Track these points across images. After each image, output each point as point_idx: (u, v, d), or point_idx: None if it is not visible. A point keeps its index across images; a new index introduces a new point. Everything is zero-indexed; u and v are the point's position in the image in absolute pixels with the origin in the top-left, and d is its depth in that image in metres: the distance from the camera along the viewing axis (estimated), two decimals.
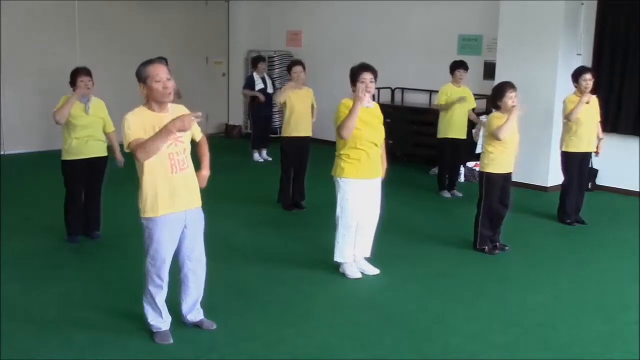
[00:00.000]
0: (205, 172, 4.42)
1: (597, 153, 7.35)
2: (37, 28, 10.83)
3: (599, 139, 7.29)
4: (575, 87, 7.13)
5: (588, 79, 7.02)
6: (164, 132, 3.87)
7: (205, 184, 4.39)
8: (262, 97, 10.45)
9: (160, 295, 4.31)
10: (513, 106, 6.05)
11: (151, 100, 4.07)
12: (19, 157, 10.48)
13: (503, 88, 6.13)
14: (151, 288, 4.27)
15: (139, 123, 4.00)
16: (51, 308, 4.88)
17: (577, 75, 7.12)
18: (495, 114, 6.19)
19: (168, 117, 4.06)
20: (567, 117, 7.07)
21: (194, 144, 4.40)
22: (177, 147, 4.10)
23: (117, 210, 7.25)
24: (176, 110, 4.17)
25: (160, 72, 4.03)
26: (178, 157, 4.10)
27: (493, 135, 6.06)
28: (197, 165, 4.35)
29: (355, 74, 5.35)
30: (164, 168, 4.06)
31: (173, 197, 4.10)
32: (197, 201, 4.28)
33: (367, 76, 5.30)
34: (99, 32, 11.42)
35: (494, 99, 6.18)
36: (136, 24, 11.89)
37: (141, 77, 4.04)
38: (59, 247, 6.24)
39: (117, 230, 6.68)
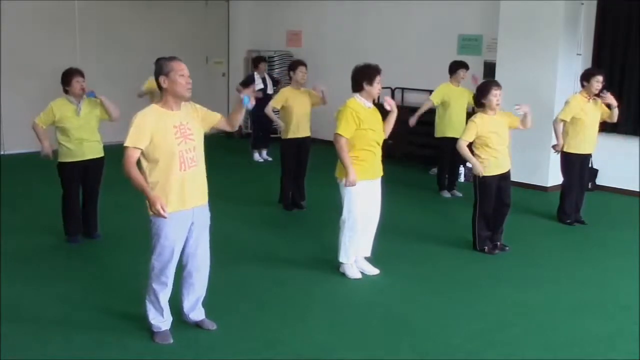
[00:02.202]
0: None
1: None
2: (37, 28, 10.83)
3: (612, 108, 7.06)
4: (583, 87, 7.09)
5: (601, 81, 6.98)
6: (149, 197, 3.95)
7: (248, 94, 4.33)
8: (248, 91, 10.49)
9: (164, 294, 4.30)
10: (497, 104, 6.05)
11: (170, 95, 4.09)
12: (19, 157, 10.48)
13: (488, 86, 6.11)
14: (155, 286, 4.27)
15: (148, 125, 4.00)
16: (51, 308, 4.88)
17: (588, 75, 7.07)
18: (475, 117, 6.15)
19: (182, 114, 4.14)
20: (555, 120, 7.12)
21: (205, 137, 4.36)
22: (187, 145, 4.12)
23: (117, 211, 7.26)
24: (187, 108, 4.22)
25: (184, 68, 4.10)
26: (188, 155, 4.11)
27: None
28: (208, 163, 4.34)
29: (369, 75, 5.33)
30: (173, 165, 4.07)
31: (182, 195, 4.11)
32: (204, 198, 4.30)
33: (380, 78, 5.36)
34: (99, 32, 11.42)
35: (479, 97, 6.15)
36: (136, 24, 11.90)
37: (163, 70, 4.07)
38: (59, 247, 6.24)
39: (117, 230, 6.68)
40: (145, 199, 4.09)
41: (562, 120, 7.08)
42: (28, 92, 10.70)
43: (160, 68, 4.10)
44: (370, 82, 5.32)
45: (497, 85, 6.09)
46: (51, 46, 10.92)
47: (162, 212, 3.90)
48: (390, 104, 5.44)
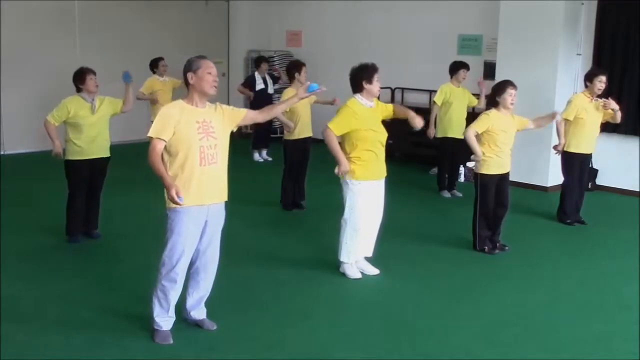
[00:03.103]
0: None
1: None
2: (37, 28, 10.83)
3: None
4: (587, 87, 7.11)
5: (604, 81, 7.01)
6: (167, 183, 3.98)
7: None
8: (249, 94, 10.57)
9: (174, 291, 4.29)
10: (512, 103, 6.08)
11: (196, 91, 4.18)
12: (19, 157, 10.48)
13: (504, 85, 6.16)
14: (165, 282, 4.26)
15: (172, 119, 4.07)
16: (51, 308, 4.87)
17: (591, 76, 7.10)
18: (490, 112, 6.17)
19: (206, 112, 4.20)
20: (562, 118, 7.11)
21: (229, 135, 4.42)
22: (209, 142, 4.16)
23: (118, 211, 7.26)
24: (212, 108, 4.30)
25: (213, 67, 4.22)
26: (209, 151, 4.16)
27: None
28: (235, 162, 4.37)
29: (368, 74, 5.33)
30: (193, 160, 4.11)
31: (200, 190, 4.13)
32: (222, 196, 4.33)
33: (378, 76, 5.36)
34: (99, 32, 11.41)
35: (494, 95, 6.19)
36: (136, 24, 11.90)
37: (192, 67, 4.17)
38: (59, 247, 6.24)
39: (117, 230, 6.69)
40: (165, 191, 4.13)
41: (566, 120, 7.08)
42: (28, 92, 10.72)
43: (189, 65, 4.19)
44: (370, 80, 5.33)
45: (513, 85, 6.13)
46: (51, 46, 10.92)
47: (176, 198, 3.93)
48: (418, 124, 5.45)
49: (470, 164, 9.30)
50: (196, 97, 4.20)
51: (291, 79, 7.63)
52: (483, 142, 6.15)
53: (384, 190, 5.59)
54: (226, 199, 4.36)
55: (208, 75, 4.15)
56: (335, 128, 5.32)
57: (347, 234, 5.51)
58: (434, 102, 8.56)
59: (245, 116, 4.47)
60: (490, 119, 6.10)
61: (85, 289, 5.24)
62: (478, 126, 6.12)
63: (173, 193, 3.92)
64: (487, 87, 7.74)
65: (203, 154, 4.14)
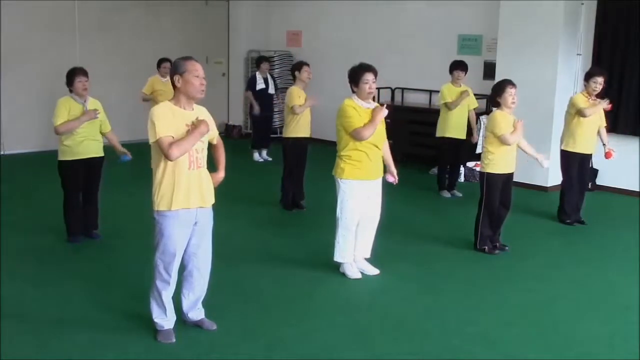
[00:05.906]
0: (221, 174, 4.51)
1: (608, 155, 7.17)
2: (37, 28, 10.83)
3: (604, 145, 7.20)
4: (585, 86, 7.14)
5: (599, 82, 7.00)
6: (197, 133, 4.00)
7: (217, 185, 4.44)
8: (257, 109, 10.49)
9: (167, 292, 4.31)
10: (513, 102, 6.06)
11: (182, 94, 4.13)
12: (19, 157, 10.48)
13: (503, 85, 6.16)
14: (158, 283, 4.29)
15: (168, 118, 4.04)
16: (51, 307, 4.88)
17: (588, 76, 7.12)
18: (496, 112, 6.19)
19: (194, 114, 4.17)
20: (580, 112, 6.99)
21: (208, 148, 4.41)
22: (197, 145, 4.15)
23: (117, 210, 7.26)
24: (199, 110, 4.26)
25: (199, 69, 4.15)
26: (197, 155, 4.15)
27: (499, 140, 6.06)
28: (208, 163, 4.34)
29: (356, 74, 5.34)
30: (182, 164, 4.10)
31: (188, 194, 4.14)
32: (210, 200, 4.32)
33: (369, 77, 5.30)
34: (99, 32, 11.42)
35: (494, 96, 6.20)
36: (136, 24, 11.89)
37: (179, 69, 4.11)
38: (59, 247, 6.24)
39: (117, 230, 6.69)
40: (153, 195, 4.14)
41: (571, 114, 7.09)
42: (28, 92, 10.72)
43: (176, 67, 4.14)
44: (356, 83, 5.34)
45: (512, 84, 6.12)
46: (51, 46, 10.92)
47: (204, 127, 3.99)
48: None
49: (470, 164, 9.31)
50: (183, 99, 4.15)
51: (294, 78, 7.65)
52: (491, 142, 6.14)
53: (382, 189, 5.58)
54: (213, 201, 4.35)
55: (195, 78, 4.10)
56: (357, 124, 5.25)
57: (339, 233, 5.52)
58: (443, 104, 8.44)
59: (214, 139, 4.43)
60: (499, 118, 6.08)
61: (85, 289, 5.24)
62: (504, 129, 6.03)
63: (207, 125, 4.04)
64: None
65: (192, 158, 4.12)
